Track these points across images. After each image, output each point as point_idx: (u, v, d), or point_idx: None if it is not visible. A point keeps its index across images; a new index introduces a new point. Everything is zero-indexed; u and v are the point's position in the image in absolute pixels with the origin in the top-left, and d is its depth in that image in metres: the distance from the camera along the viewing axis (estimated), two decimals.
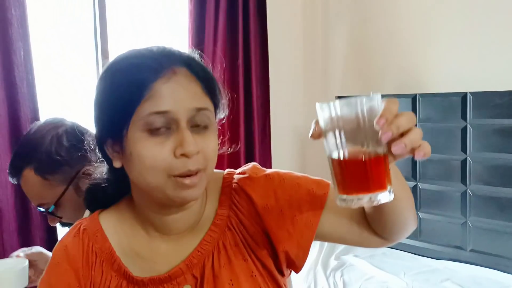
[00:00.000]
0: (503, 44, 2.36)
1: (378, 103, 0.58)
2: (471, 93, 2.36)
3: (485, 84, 2.38)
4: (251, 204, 0.79)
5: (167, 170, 0.70)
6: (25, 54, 2.05)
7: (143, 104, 0.69)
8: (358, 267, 2.41)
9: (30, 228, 2.09)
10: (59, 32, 2.37)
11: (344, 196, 0.61)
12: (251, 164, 0.84)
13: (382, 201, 0.60)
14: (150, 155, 0.70)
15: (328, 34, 3.14)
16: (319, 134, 0.62)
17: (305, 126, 3.22)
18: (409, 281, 2.21)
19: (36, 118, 2.06)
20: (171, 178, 0.70)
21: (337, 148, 0.60)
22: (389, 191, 0.61)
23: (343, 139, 0.60)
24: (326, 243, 2.66)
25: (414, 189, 2.55)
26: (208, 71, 0.77)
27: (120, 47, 2.47)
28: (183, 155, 0.69)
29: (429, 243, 2.54)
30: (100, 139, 0.77)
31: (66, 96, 2.41)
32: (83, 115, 2.40)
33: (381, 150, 0.59)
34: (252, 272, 0.78)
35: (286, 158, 3.15)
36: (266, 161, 2.96)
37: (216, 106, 0.78)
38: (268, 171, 0.82)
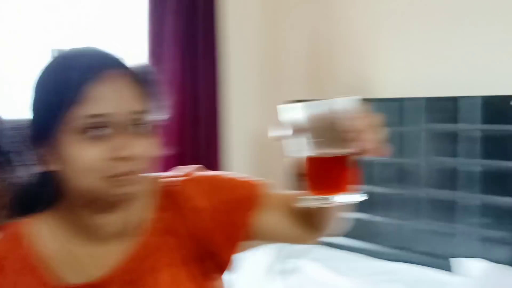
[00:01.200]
0: (454, 48, 2.43)
1: (347, 106, 0.61)
2: (423, 98, 2.41)
3: (437, 89, 2.44)
4: (187, 207, 0.79)
5: (101, 172, 0.70)
6: None
7: (78, 106, 0.69)
8: (309, 271, 2.40)
9: None
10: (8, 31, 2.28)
11: (308, 197, 0.63)
12: (188, 167, 0.84)
13: (348, 202, 0.64)
14: (84, 158, 0.69)
15: (284, 36, 3.15)
16: (282, 136, 0.65)
17: (262, 129, 3.21)
18: (360, 283, 2.23)
19: None
20: (105, 179, 0.70)
21: (305, 148, 0.62)
22: (353, 193, 0.65)
23: (311, 140, 0.62)
24: (274, 247, 2.65)
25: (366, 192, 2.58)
26: (145, 72, 0.77)
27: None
28: (119, 158, 0.70)
29: (381, 245, 2.57)
30: (34, 141, 0.76)
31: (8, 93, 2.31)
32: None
33: (346, 151, 0.62)
34: (191, 276, 0.78)
35: (240, 162, 3.13)
36: (215, 165, 2.89)
37: (152, 107, 0.77)
38: (202, 173, 0.83)
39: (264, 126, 3.21)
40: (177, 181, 0.82)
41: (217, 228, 0.78)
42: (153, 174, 0.83)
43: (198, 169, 0.84)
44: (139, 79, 0.75)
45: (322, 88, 2.94)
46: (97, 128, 0.70)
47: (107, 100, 0.70)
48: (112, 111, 0.70)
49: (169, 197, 0.81)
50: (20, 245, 0.78)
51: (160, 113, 0.80)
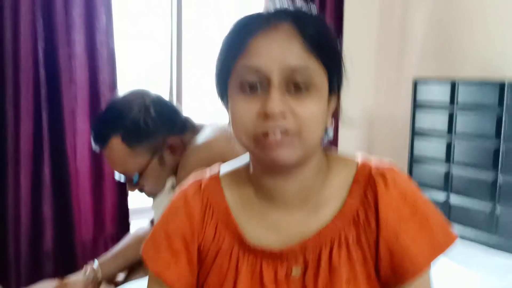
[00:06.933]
0: None
1: None
2: None
3: None
4: (376, 210, 0.74)
5: (251, 130, 0.68)
6: (106, 19, 2.07)
7: (239, 59, 0.69)
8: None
9: (102, 191, 2.15)
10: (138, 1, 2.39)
11: None
12: (391, 165, 0.78)
13: None
14: (239, 113, 0.69)
15: (407, 11, 2.98)
16: None
17: (375, 109, 3.11)
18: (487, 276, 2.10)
19: (114, 83, 2.10)
20: (255, 139, 0.69)
21: None
22: None
23: None
24: None
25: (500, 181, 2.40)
26: (322, 29, 0.72)
27: (194, 18, 2.46)
28: (265, 114, 0.66)
29: (507, 239, 2.39)
30: (220, 97, 0.77)
31: (142, 64, 2.43)
32: (157, 83, 2.42)
33: None
34: (371, 276, 0.74)
35: (354, 141, 3.06)
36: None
37: (329, 68, 0.71)
38: (405, 185, 0.76)
39: (379, 106, 3.14)
40: (372, 173, 0.76)
41: (389, 250, 0.73)
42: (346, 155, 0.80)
43: (393, 171, 0.76)
44: (310, 33, 0.68)
45: (448, 67, 2.74)
46: (251, 82, 0.68)
47: (262, 53, 0.67)
48: (264, 65, 0.67)
49: (361, 186, 0.75)
50: (217, 198, 0.79)
51: (339, 77, 0.74)
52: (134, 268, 1.47)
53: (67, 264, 2.03)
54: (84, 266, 1.45)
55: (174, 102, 2.41)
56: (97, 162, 2.12)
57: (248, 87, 0.68)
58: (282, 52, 0.67)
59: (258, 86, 0.68)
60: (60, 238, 2.04)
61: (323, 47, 0.70)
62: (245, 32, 0.69)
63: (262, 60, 0.67)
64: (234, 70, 0.70)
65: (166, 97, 1.38)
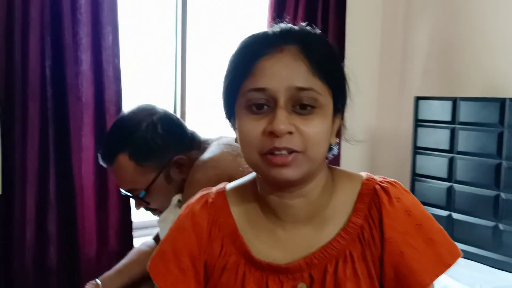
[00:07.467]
0: None
1: None
2: None
3: None
4: (380, 226, 0.76)
5: (258, 148, 0.71)
6: (113, 38, 2.11)
7: (246, 81, 0.71)
8: None
9: (107, 207, 2.16)
10: (143, 20, 2.43)
11: None
12: (395, 182, 0.79)
13: None
14: (246, 132, 0.71)
15: (409, 31, 3.02)
16: None
17: (378, 126, 3.14)
18: None
19: (119, 100, 2.13)
20: (261, 156, 0.71)
21: None
22: None
23: None
24: None
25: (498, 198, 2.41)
26: (327, 51, 0.75)
27: (198, 35, 2.50)
28: (271, 133, 0.69)
29: (510, 257, 2.38)
30: (228, 118, 0.80)
31: (146, 82, 2.47)
32: (161, 99, 2.45)
33: None
34: None
35: (356, 158, 3.08)
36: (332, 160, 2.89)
37: (334, 89, 0.74)
38: (409, 201, 0.77)
39: (382, 124, 3.17)
40: (377, 191, 0.77)
41: (394, 267, 0.74)
42: (350, 172, 0.82)
43: (398, 189, 0.78)
44: (315, 56, 0.71)
45: (450, 85, 2.77)
46: (258, 103, 0.71)
47: (269, 75, 0.70)
48: (270, 86, 0.70)
49: (365, 204, 0.77)
50: (223, 214, 0.80)
51: (343, 97, 0.77)
52: (138, 284, 1.48)
53: (71, 280, 2.03)
54: (87, 283, 1.45)
55: (179, 114, 2.45)
56: (101, 179, 2.14)
57: (255, 107, 0.71)
58: (289, 74, 0.70)
59: (264, 106, 0.71)
60: (64, 253, 2.04)
61: (328, 69, 0.73)
62: (252, 54, 0.72)
63: (269, 81, 0.70)
64: (241, 92, 0.72)
65: (171, 109, 1.39)
